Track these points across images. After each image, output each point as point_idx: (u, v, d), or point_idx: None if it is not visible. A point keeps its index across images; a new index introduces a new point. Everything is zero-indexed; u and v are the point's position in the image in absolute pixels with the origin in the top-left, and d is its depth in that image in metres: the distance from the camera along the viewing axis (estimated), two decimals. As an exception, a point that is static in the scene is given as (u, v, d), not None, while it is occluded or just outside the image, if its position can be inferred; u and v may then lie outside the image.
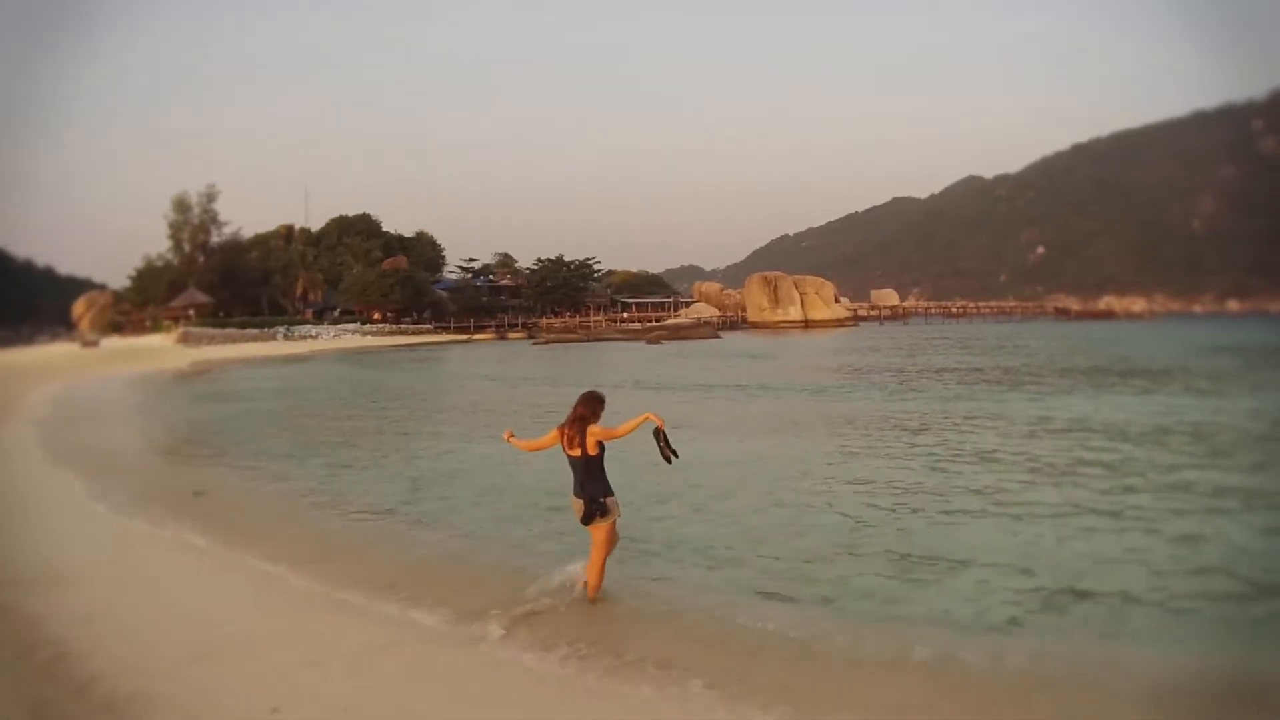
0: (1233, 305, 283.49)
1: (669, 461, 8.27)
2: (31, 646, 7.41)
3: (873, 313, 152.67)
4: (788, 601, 8.60)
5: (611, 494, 8.27)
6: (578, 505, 8.24)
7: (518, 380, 28.61)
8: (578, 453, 8.14)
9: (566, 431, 8.20)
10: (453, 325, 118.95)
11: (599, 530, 8.26)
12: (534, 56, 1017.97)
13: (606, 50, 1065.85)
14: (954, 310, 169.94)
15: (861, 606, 8.46)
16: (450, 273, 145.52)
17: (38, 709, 6.26)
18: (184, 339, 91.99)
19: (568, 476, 8.34)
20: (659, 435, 8.18)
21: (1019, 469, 15.26)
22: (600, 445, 8.18)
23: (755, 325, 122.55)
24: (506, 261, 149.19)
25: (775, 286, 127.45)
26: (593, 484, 8.16)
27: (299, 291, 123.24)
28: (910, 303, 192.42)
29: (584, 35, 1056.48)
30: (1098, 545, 10.38)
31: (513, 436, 8.65)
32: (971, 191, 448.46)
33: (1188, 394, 25.50)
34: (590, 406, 8.21)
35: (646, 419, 8.13)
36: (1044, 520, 11.60)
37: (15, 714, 6.22)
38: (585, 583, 8.53)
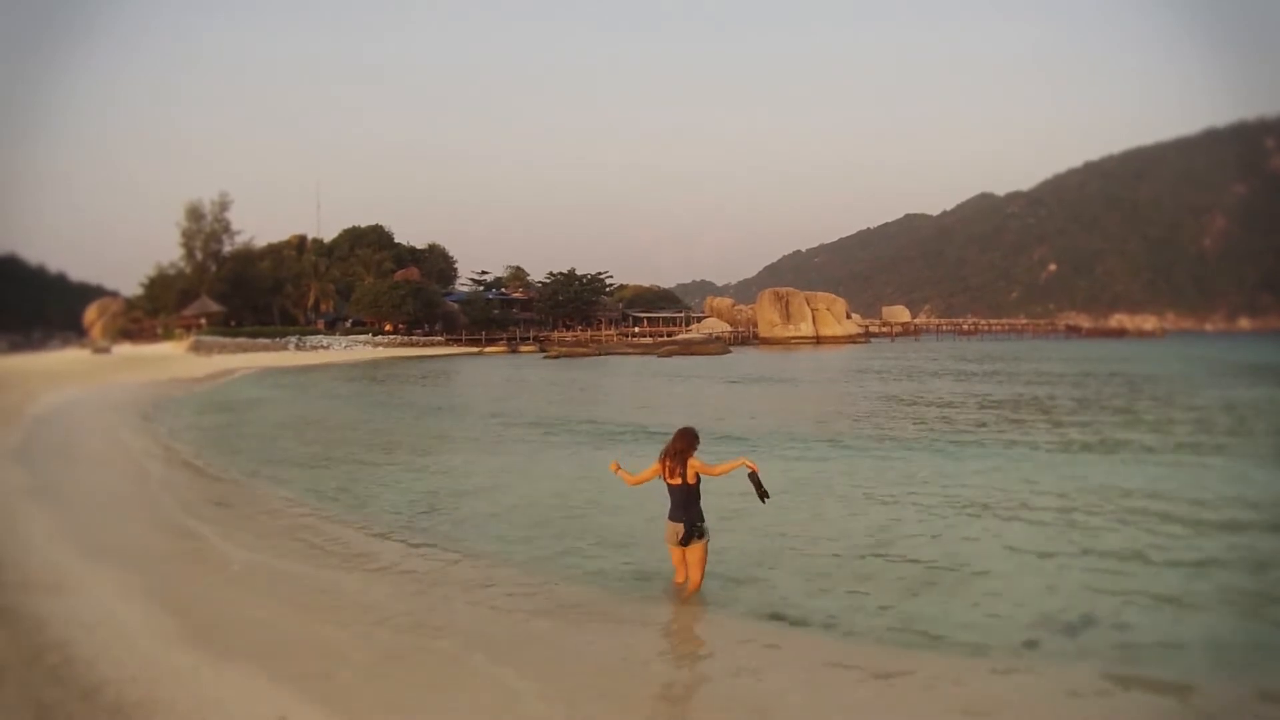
0: (1244, 323, 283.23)
1: (763, 501, 9.05)
2: (39, 650, 7.39)
3: (884, 329, 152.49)
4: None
5: (704, 519, 9.02)
6: (675, 529, 8.98)
7: (522, 422, 27.33)
8: (678, 481, 8.92)
9: (668, 463, 8.98)
10: (464, 338, 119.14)
11: (695, 551, 9.08)
12: (546, 69, 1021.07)
13: (619, 63, 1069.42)
14: (965, 328, 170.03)
15: (873, 625, 8.60)
16: (462, 285, 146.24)
17: (45, 712, 6.22)
18: (195, 347, 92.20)
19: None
20: (754, 478, 8.85)
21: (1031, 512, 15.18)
22: (697, 476, 8.94)
23: (766, 341, 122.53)
24: (518, 274, 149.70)
25: (787, 302, 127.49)
26: (691, 509, 8.92)
27: (310, 302, 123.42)
28: (922, 320, 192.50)
29: (597, 48, 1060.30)
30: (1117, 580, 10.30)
31: (619, 469, 9.49)
32: (983, 208, 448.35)
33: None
34: (687, 441, 9.01)
35: (742, 463, 8.96)
36: (1056, 553, 11.68)
37: (23, 717, 6.19)
38: (681, 584, 9.31)
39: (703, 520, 8.98)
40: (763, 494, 8.90)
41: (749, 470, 8.84)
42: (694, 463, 8.87)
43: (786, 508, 13.49)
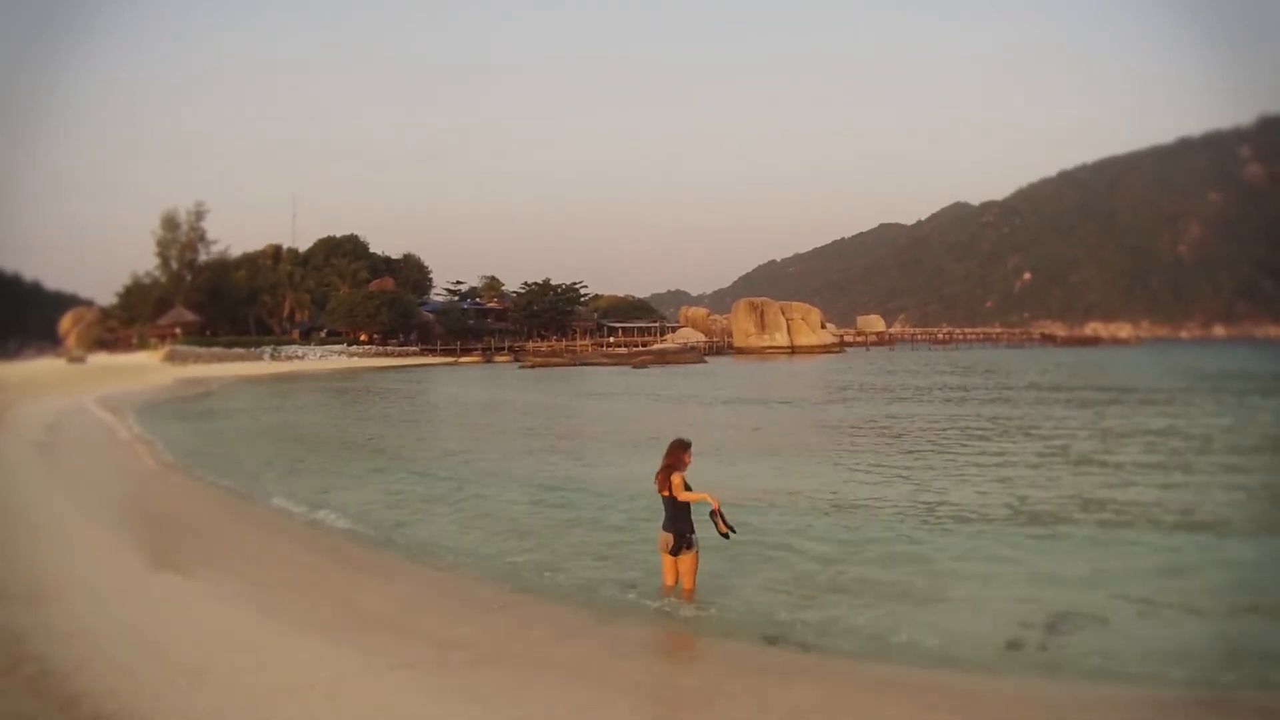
0: (1218, 331, 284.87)
1: (726, 537, 9.09)
2: (16, 662, 7.42)
3: (859, 339, 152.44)
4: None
5: (694, 531, 9.31)
6: (666, 538, 9.36)
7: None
8: (666, 493, 9.23)
9: (659, 476, 9.31)
10: (439, 347, 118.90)
11: (686, 561, 9.40)
12: (520, 76, 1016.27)
13: (595, 71, 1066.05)
14: (940, 337, 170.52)
15: (858, 638, 8.65)
16: (437, 295, 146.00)
17: (23, 725, 6.25)
18: (170, 357, 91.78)
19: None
20: (714, 515, 8.99)
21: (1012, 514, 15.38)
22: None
23: (741, 351, 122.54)
24: (493, 284, 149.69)
25: (762, 312, 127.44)
26: (680, 521, 9.26)
27: (286, 311, 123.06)
28: (897, 329, 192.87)
29: (572, 55, 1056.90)
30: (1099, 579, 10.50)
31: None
32: (958, 218, 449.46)
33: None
34: (676, 455, 9.35)
35: (704, 498, 9.10)
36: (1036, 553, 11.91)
37: (1, 729, 6.21)
38: (670, 589, 9.60)
39: (693, 531, 9.28)
40: (725, 531, 8.99)
41: (711, 507, 8.99)
42: (675, 478, 9.15)
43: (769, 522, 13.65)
